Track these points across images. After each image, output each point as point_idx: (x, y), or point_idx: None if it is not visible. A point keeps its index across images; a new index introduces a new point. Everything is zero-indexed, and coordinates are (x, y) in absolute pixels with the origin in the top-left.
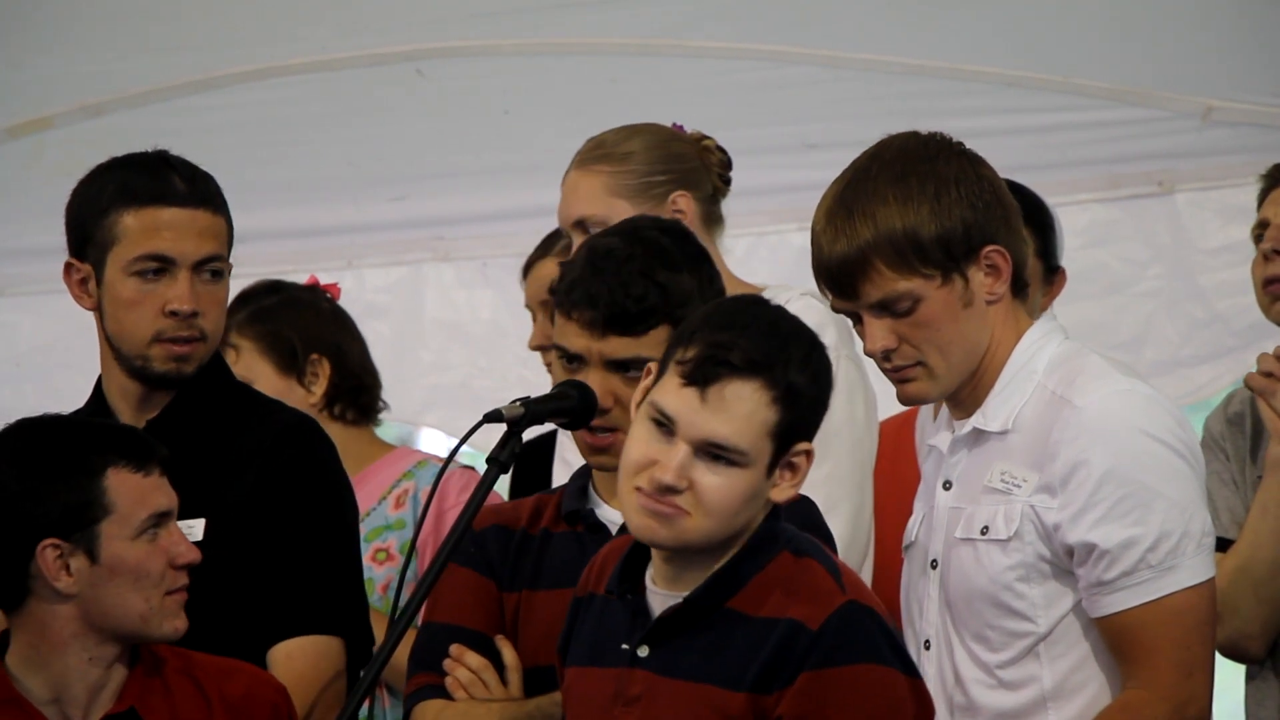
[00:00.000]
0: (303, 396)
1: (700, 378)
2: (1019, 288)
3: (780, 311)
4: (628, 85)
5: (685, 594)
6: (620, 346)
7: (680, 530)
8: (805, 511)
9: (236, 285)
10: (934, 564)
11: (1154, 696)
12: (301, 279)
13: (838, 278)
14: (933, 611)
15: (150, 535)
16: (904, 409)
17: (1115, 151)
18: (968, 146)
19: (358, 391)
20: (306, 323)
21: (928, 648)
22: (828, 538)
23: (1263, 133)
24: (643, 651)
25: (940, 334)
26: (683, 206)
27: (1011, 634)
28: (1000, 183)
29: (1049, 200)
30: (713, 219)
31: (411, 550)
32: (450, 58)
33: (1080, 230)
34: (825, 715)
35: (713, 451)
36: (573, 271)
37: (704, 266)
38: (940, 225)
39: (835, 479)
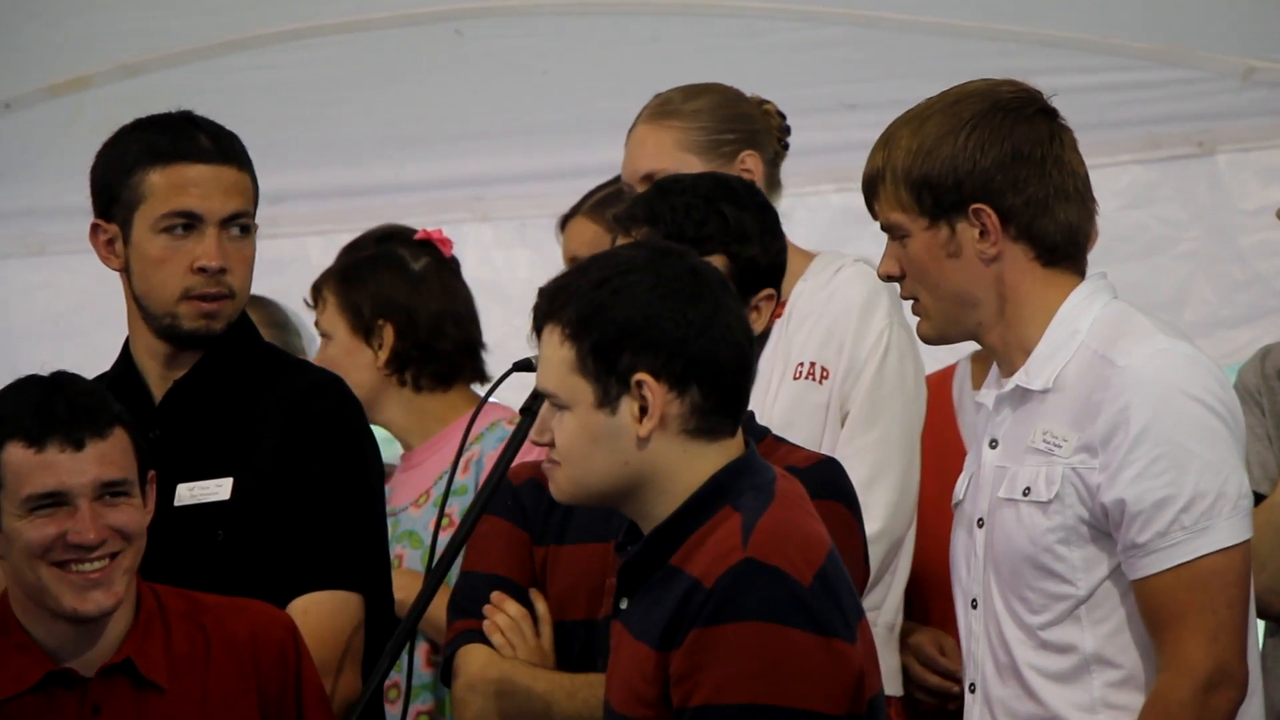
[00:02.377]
0: (371, 359)
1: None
2: (1055, 258)
3: (617, 252)
4: (667, 45)
5: None
6: None
7: (556, 483)
8: (825, 472)
9: (275, 245)
10: (980, 523)
11: (1176, 677)
12: (341, 239)
13: (864, 192)
14: (978, 570)
15: (46, 512)
16: (943, 367)
17: (1155, 112)
18: (1056, 117)
19: (426, 359)
20: (381, 284)
21: (974, 606)
22: (845, 496)
23: None
24: (624, 604)
25: (926, 275)
26: (750, 166)
27: (1052, 596)
28: (1064, 156)
29: (1088, 161)
30: (773, 182)
31: (473, 513)
32: (489, 17)
33: (1120, 191)
34: (704, 673)
35: (549, 401)
36: (639, 195)
37: (769, 216)
38: (928, 168)
39: (885, 444)
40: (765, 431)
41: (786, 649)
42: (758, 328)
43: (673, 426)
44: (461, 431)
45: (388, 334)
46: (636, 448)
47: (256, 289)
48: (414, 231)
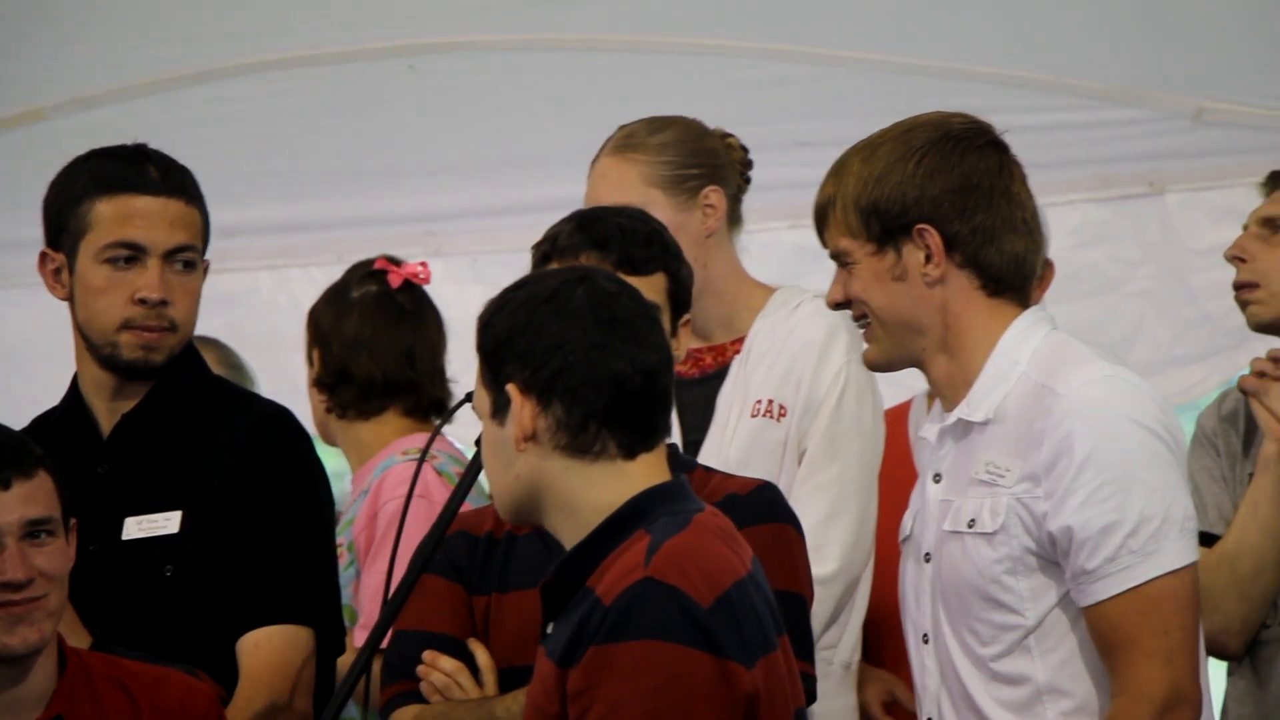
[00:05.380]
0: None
1: None
2: (999, 289)
3: (540, 273)
4: (621, 81)
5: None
6: None
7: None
8: (768, 495)
9: (226, 279)
10: (927, 557)
11: (1132, 703)
12: (293, 274)
13: (815, 221)
14: (927, 605)
15: None
16: (898, 403)
17: (1107, 152)
18: (1006, 151)
19: (338, 386)
20: (317, 311)
21: (926, 641)
22: (792, 518)
23: (1254, 134)
24: (549, 629)
25: (872, 300)
26: (714, 202)
27: (1000, 627)
28: (1012, 189)
29: (1040, 200)
30: (734, 218)
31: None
32: (443, 53)
33: (1072, 230)
34: (599, 689)
35: None
36: (565, 227)
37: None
38: (878, 194)
39: (844, 480)
40: (693, 464)
41: (679, 668)
42: (680, 354)
43: (545, 441)
44: (379, 462)
45: (316, 359)
46: (516, 460)
47: (209, 322)
48: (398, 261)
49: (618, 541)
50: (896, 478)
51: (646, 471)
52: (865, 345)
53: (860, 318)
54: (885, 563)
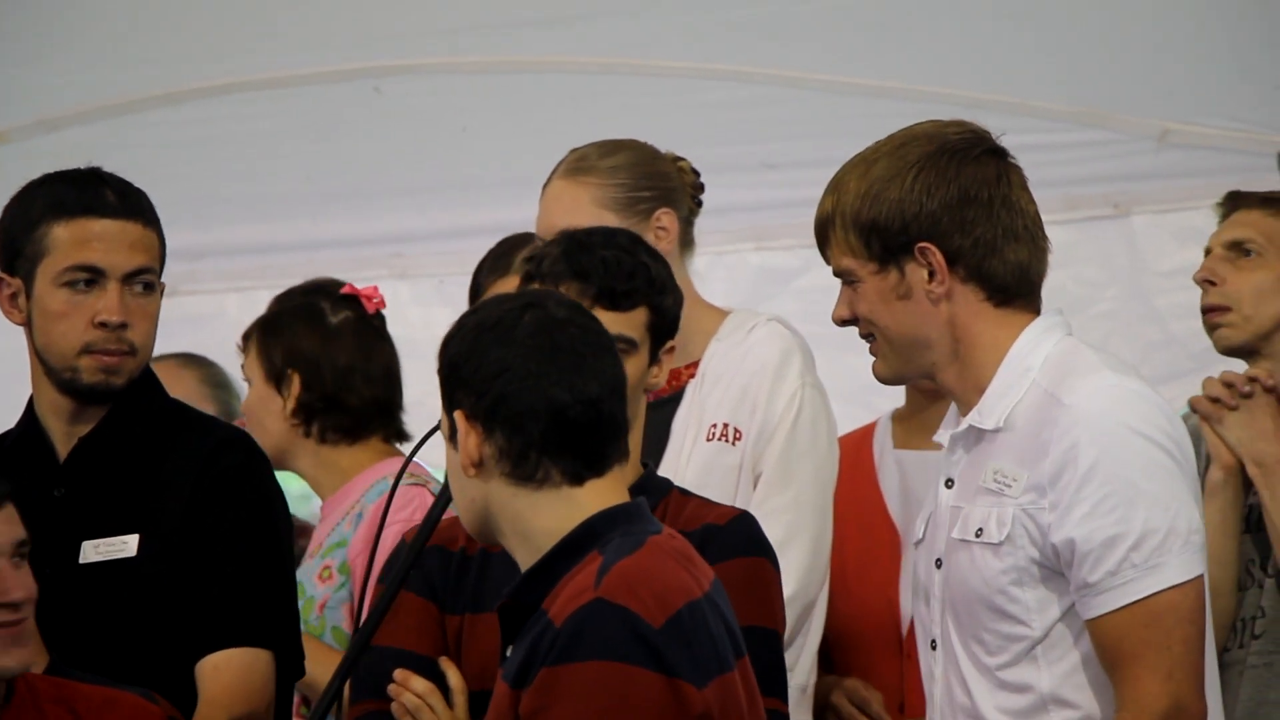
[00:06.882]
0: (281, 407)
1: None
2: (1007, 298)
3: (486, 303)
4: (588, 104)
5: None
6: (607, 322)
7: None
8: (747, 527)
9: (193, 301)
10: (938, 563)
11: (1133, 717)
12: (260, 295)
13: (817, 239)
14: (937, 611)
15: None
16: (861, 426)
17: (1072, 173)
18: (1005, 157)
19: (330, 412)
20: (294, 335)
21: (934, 647)
22: (769, 551)
23: (1218, 155)
24: (509, 652)
25: (878, 319)
26: (666, 224)
27: (1007, 637)
28: (1012, 196)
29: None
30: (686, 241)
31: (368, 571)
32: (409, 75)
33: None
34: (550, 711)
35: None
36: (552, 251)
37: (669, 268)
38: (875, 213)
39: (799, 504)
40: (669, 486)
41: (629, 688)
42: (660, 380)
43: (491, 468)
44: (364, 485)
45: (295, 384)
46: (468, 485)
47: (177, 343)
48: (342, 284)
49: (571, 563)
50: (862, 500)
51: (597, 497)
52: (873, 359)
53: (867, 335)
54: (853, 584)
